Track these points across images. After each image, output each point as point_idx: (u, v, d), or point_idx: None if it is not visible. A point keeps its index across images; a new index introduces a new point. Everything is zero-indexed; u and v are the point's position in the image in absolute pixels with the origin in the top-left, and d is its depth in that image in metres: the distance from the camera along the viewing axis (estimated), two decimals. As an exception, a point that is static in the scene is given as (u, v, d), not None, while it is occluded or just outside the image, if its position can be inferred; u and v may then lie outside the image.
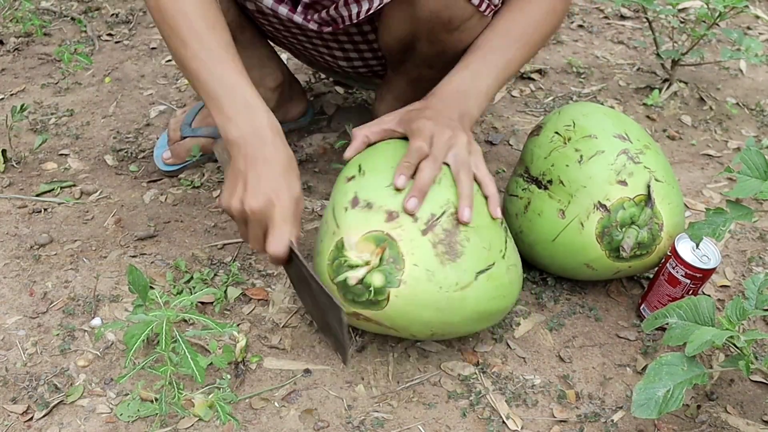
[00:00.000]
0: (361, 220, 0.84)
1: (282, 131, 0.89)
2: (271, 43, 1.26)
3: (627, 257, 0.97)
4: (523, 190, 1.03)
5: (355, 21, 0.99)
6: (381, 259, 0.82)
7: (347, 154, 0.94)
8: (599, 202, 0.95)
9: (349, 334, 0.85)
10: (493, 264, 0.86)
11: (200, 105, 1.29)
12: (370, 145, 0.95)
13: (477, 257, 0.85)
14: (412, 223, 0.83)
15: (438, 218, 0.84)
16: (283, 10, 1.03)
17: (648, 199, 0.96)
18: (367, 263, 0.83)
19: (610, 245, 0.96)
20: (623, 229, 0.95)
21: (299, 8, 1.04)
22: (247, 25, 1.17)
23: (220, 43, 0.89)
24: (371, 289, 0.82)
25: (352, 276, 0.83)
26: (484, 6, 0.95)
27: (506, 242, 0.90)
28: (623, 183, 0.96)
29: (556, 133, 1.02)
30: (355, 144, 0.94)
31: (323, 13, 1.02)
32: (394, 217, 0.83)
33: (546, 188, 1.00)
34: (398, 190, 0.85)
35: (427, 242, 0.83)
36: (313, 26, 1.04)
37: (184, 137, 1.25)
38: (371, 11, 0.96)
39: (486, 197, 0.90)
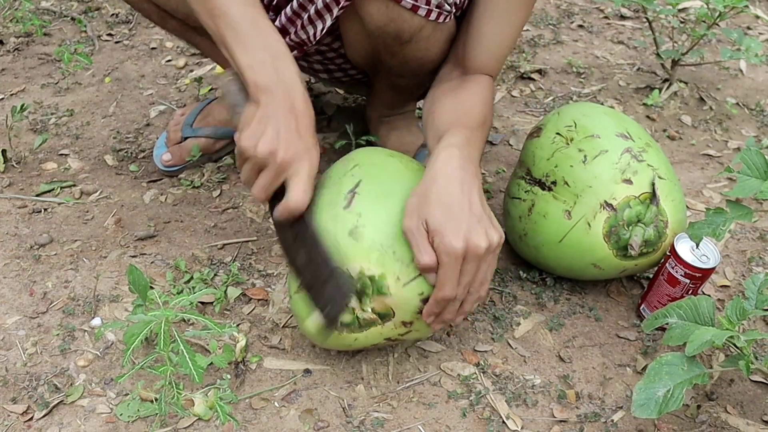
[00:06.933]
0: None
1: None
2: None
3: (635, 256, 0.97)
4: (525, 192, 1.03)
5: (314, 42, 0.99)
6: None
7: None
8: (605, 201, 0.95)
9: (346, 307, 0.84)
10: None
11: (201, 106, 1.29)
12: None
13: None
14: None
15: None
16: None
17: (653, 196, 0.96)
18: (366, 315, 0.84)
19: (617, 244, 0.96)
20: (630, 228, 0.95)
21: None
22: None
23: None
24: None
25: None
26: (434, 15, 0.93)
27: None
28: (628, 182, 0.96)
29: (558, 134, 1.02)
30: None
31: (289, 38, 1.02)
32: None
33: (550, 189, 0.99)
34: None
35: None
36: None
37: (185, 138, 1.25)
38: (324, 29, 0.96)
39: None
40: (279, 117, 0.81)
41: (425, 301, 0.83)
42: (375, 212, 0.84)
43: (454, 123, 0.91)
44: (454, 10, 0.96)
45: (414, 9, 0.91)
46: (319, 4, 0.93)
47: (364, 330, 0.85)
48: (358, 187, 0.86)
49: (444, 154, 0.85)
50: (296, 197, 0.82)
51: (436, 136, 0.91)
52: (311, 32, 0.98)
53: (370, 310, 0.83)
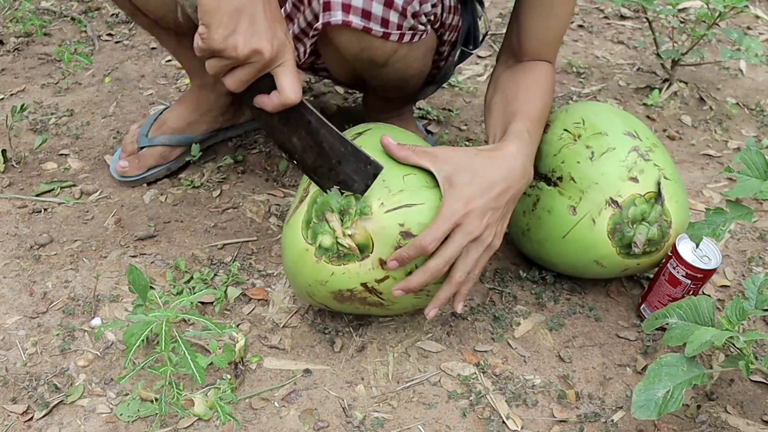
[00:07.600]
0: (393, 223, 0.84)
1: None
2: None
3: (638, 254, 0.97)
4: (530, 187, 1.02)
5: (302, 61, 1.01)
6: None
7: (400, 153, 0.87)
8: (611, 198, 0.95)
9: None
10: None
11: (155, 115, 1.26)
12: None
13: None
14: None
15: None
16: None
17: (658, 196, 0.96)
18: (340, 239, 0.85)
19: (621, 242, 0.96)
20: (634, 226, 0.96)
21: None
22: None
23: None
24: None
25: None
26: (407, 38, 0.92)
27: None
28: (635, 180, 0.96)
29: (565, 130, 1.02)
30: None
31: None
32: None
33: (555, 185, 0.99)
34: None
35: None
36: None
37: (141, 148, 1.23)
38: (306, 52, 0.98)
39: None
40: (251, 7, 0.76)
41: (404, 234, 0.83)
42: (375, 145, 0.88)
43: (518, 112, 0.94)
44: (428, 28, 0.95)
45: (385, 36, 0.91)
46: (296, 29, 0.96)
47: (342, 263, 0.84)
48: (366, 131, 0.93)
49: (518, 143, 0.88)
50: (291, 92, 0.79)
51: (500, 122, 0.95)
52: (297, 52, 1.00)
53: (350, 235, 0.83)
